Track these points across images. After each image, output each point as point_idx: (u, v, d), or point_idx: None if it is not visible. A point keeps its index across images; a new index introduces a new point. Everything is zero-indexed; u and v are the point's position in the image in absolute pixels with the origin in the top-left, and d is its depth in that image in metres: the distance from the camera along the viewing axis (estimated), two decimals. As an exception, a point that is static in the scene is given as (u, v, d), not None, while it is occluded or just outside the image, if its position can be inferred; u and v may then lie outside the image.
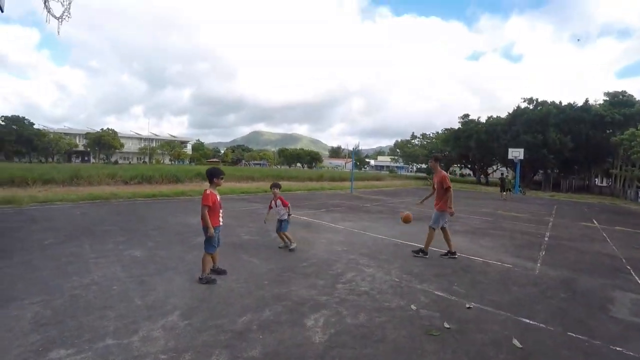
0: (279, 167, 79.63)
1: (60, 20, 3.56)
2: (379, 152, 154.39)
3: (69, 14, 3.44)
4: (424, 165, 52.96)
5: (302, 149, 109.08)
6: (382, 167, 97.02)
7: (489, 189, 32.77)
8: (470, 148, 41.52)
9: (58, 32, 3.64)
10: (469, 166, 50.30)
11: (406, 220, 6.38)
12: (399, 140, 63.40)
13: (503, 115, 41.08)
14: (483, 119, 43.06)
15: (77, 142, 68.90)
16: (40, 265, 5.07)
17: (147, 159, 73.43)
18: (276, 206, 6.29)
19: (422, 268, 5.22)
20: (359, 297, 3.91)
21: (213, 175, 4.53)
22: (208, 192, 4.38)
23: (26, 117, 53.05)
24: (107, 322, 3.29)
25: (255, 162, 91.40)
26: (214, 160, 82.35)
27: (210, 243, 4.37)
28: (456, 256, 6.09)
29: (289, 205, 6.30)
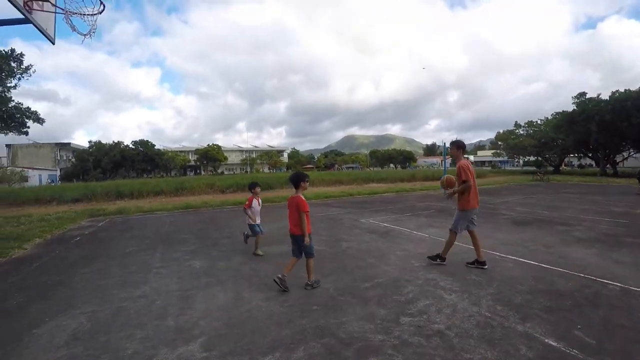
0: (370, 169, 78.49)
1: (87, 36, 3.55)
2: (479, 147, 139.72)
3: (94, 31, 3.43)
4: (531, 158, 45.83)
5: (395, 149, 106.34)
6: (482, 162, 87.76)
7: (620, 181, 25.72)
8: (590, 132, 33.16)
9: (82, 42, 3.60)
10: (590, 155, 41.21)
11: (449, 183, 5.16)
12: (501, 131, 56.40)
13: (634, 87, 32.60)
14: (605, 96, 34.83)
15: (190, 157, 78.65)
16: (111, 273, 5.22)
17: (248, 169, 79.88)
18: (259, 205, 6.17)
19: (527, 296, 3.73)
20: (428, 341, 2.77)
21: (299, 180, 4.28)
22: (298, 196, 4.19)
23: (150, 140, 62.58)
24: (130, 343, 2.96)
25: (348, 165, 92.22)
26: (309, 166, 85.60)
27: (311, 248, 4.19)
28: (485, 267, 4.74)
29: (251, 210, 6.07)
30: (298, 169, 76.06)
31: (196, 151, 76.44)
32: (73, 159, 54.20)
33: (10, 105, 10.67)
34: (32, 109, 11.26)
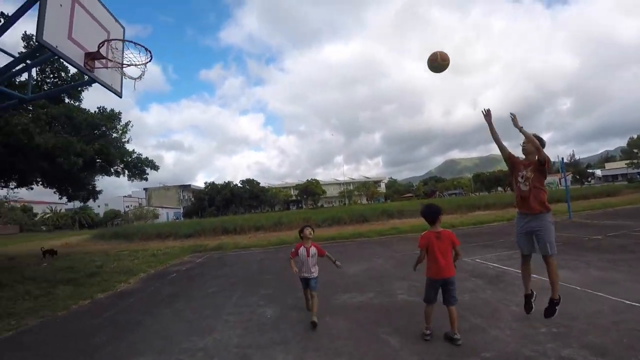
0: (475, 194, 71.27)
1: (137, 80, 3.85)
2: (607, 159, 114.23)
3: (144, 74, 3.63)
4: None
5: (501, 170, 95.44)
6: (614, 177, 71.93)
7: None
8: None
9: (134, 87, 3.80)
10: None
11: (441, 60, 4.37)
12: (635, 136, 45.62)
13: None
14: None
15: (292, 192, 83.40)
16: (185, 316, 5.08)
17: (345, 201, 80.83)
18: (308, 256, 4.59)
19: None
20: None
21: (437, 213, 3.68)
22: (446, 231, 3.67)
23: (255, 179, 68.80)
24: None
25: (450, 191, 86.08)
26: (407, 195, 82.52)
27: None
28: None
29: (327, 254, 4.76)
30: (396, 199, 74.16)
31: (296, 186, 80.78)
32: (192, 199, 62.38)
33: (133, 157, 12.43)
34: (149, 158, 13.04)
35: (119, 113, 11.26)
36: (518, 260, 4.35)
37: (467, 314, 4.26)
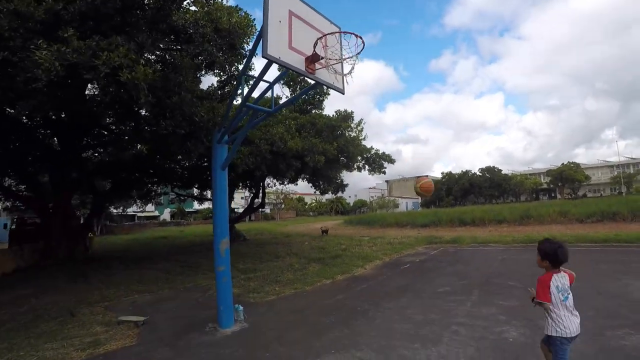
0: None
1: (347, 75, 3.75)
2: None
3: (355, 65, 3.60)
4: None
5: None
6: None
7: None
8: None
9: (345, 84, 3.94)
10: None
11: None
12: None
13: None
14: None
15: (542, 179, 69.32)
16: (409, 315, 4.68)
17: (622, 189, 59.56)
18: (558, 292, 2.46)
19: None
20: None
21: None
22: None
23: (497, 166, 61.31)
24: None
25: None
26: None
27: None
28: None
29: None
30: None
31: (548, 172, 66.22)
32: (431, 189, 62.71)
33: (372, 153, 13.46)
34: (385, 153, 13.87)
35: (352, 112, 12.35)
36: None
37: None
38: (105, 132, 10.30)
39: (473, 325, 4.12)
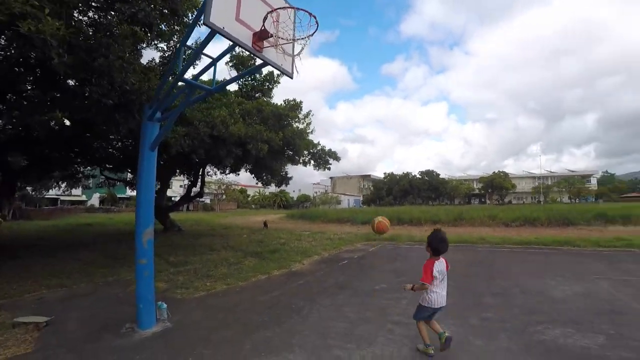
0: None
1: (297, 56, 3.57)
2: None
3: (305, 46, 3.39)
4: None
5: None
6: None
7: None
8: None
9: (295, 69, 3.72)
10: None
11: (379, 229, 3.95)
12: None
13: None
14: None
15: (474, 186, 75.45)
16: (345, 313, 4.57)
17: (540, 199, 67.21)
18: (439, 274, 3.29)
19: None
20: None
21: None
22: None
23: (435, 170, 65.36)
24: None
25: None
26: (634, 194, 61.39)
27: None
28: None
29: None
30: (614, 199, 56.02)
31: (480, 179, 72.42)
32: (372, 188, 64.84)
33: (318, 148, 13.26)
34: (332, 150, 13.75)
35: (300, 102, 12.05)
36: None
37: None
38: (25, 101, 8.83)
39: (408, 324, 4.09)
